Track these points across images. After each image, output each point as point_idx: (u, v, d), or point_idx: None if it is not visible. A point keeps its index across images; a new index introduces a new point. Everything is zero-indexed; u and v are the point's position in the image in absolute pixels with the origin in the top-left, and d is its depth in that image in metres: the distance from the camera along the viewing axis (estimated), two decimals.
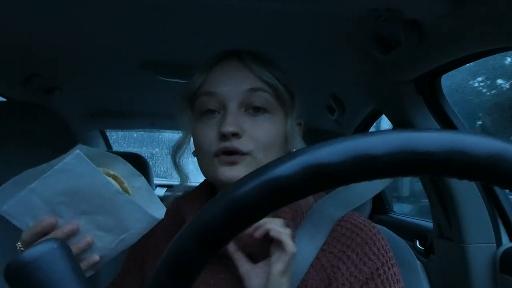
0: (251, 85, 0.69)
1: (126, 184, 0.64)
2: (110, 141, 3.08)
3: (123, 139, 3.42)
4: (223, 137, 0.67)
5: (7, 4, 1.05)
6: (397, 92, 1.30)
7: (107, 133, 3.02)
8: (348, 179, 0.25)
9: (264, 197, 0.26)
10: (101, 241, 0.62)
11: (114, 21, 1.15)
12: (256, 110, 0.70)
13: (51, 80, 1.73)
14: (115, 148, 3.17)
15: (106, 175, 0.61)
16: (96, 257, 0.61)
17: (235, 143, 0.67)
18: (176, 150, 0.77)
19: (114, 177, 0.63)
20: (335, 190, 0.74)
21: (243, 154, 0.67)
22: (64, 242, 0.36)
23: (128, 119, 2.41)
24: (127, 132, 3.36)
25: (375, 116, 1.84)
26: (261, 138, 0.68)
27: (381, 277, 0.65)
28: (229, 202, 0.27)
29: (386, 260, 0.67)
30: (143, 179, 0.66)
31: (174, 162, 0.78)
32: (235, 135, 0.67)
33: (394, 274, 0.67)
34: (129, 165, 0.65)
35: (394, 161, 0.24)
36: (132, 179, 0.65)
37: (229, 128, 0.66)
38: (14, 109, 1.21)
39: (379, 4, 0.88)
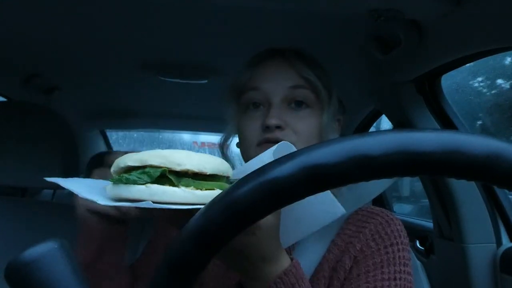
0: (294, 82, 0.75)
1: None
2: (110, 141, 3.08)
3: (123, 139, 3.41)
4: (267, 128, 0.72)
5: (7, 4, 1.05)
6: (397, 92, 1.30)
7: (107, 133, 3.02)
8: (346, 179, 0.25)
9: (262, 198, 0.26)
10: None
11: (114, 21, 1.15)
12: (298, 104, 0.75)
13: (51, 80, 1.73)
14: (115, 148, 3.17)
15: None
16: None
17: (278, 135, 0.72)
18: (224, 142, 0.83)
19: None
20: (348, 187, 0.75)
21: None
22: (64, 242, 0.36)
23: (129, 119, 2.41)
24: (127, 132, 3.36)
25: (375, 116, 1.84)
26: (302, 131, 0.73)
27: (388, 255, 0.66)
28: (228, 203, 0.27)
29: (397, 242, 0.68)
30: None
31: (222, 153, 0.83)
32: (279, 127, 0.72)
33: (403, 257, 0.67)
34: None
35: (392, 161, 0.24)
36: None
37: (273, 120, 0.71)
38: (14, 109, 1.21)
39: (379, 4, 0.89)
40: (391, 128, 1.48)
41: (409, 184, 2.42)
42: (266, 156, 0.55)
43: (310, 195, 0.27)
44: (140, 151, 0.49)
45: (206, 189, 0.47)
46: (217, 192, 0.48)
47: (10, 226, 1.11)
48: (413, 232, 1.67)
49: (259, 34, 1.18)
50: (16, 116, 1.16)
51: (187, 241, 0.29)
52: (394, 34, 1.04)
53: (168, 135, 3.48)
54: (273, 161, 0.28)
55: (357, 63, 1.34)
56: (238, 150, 0.82)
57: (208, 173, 0.47)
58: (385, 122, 2.12)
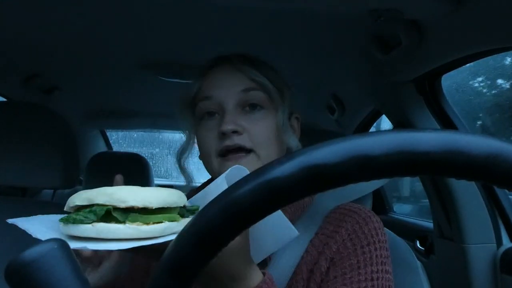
0: (245, 85, 0.74)
1: None
2: (110, 141, 3.08)
3: (123, 139, 3.41)
4: (223, 135, 0.70)
5: (7, 4, 1.05)
6: (397, 92, 1.30)
7: (107, 133, 3.02)
8: (346, 179, 0.25)
9: (262, 198, 0.26)
10: None
11: (114, 21, 1.15)
12: (252, 107, 0.74)
13: (51, 80, 1.73)
14: (115, 148, 3.16)
15: None
16: None
17: (237, 140, 0.70)
18: (181, 154, 0.81)
19: None
20: None
21: (247, 151, 0.71)
22: (64, 242, 0.35)
23: (128, 119, 2.42)
24: (127, 132, 3.36)
25: (375, 116, 1.84)
26: (259, 133, 0.72)
27: (365, 255, 0.66)
28: (227, 203, 0.27)
29: (374, 241, 0.67)
30: None
31: (179, 165, 0.81)
32: (235, 132, 0.70)
33: (380, 255, 0.67)
34: None
35: (391, 162, 0.24)
36: None
37: (228, 126, 0.70)
38: (14, 109, 1.21)
39: (379, 4, 0.89)
40: (391, 128, 1.48)
41: (409, 184, 2.42)
42: (220, 180, 0.56)
43: (310, 195, 0.27)
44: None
45: (153, 223, 0.48)
46: (165, 224, 0.49)
47: (10, 226, 1.11)
48: (413, 232, 1.67)
49: (259, 34, 1.18)
50: (16, 116, 1.16)
51: (186, 242, 0.29)
52: (394, 34, 1.04)
53: (168, 135, 3.48)
54: (273, 161, 0.28)
55: (357, 63, 1.35)
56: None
57: (154, 207, 0.48)
58: (385, 122, 2.12)
